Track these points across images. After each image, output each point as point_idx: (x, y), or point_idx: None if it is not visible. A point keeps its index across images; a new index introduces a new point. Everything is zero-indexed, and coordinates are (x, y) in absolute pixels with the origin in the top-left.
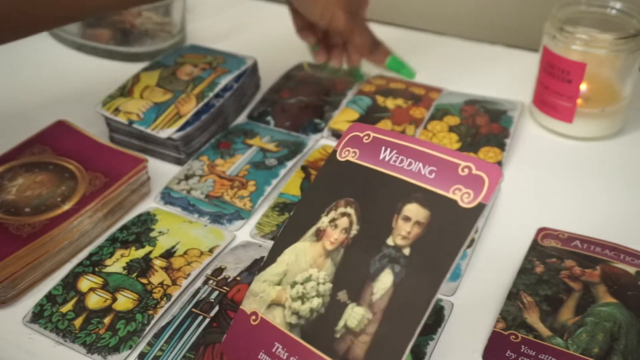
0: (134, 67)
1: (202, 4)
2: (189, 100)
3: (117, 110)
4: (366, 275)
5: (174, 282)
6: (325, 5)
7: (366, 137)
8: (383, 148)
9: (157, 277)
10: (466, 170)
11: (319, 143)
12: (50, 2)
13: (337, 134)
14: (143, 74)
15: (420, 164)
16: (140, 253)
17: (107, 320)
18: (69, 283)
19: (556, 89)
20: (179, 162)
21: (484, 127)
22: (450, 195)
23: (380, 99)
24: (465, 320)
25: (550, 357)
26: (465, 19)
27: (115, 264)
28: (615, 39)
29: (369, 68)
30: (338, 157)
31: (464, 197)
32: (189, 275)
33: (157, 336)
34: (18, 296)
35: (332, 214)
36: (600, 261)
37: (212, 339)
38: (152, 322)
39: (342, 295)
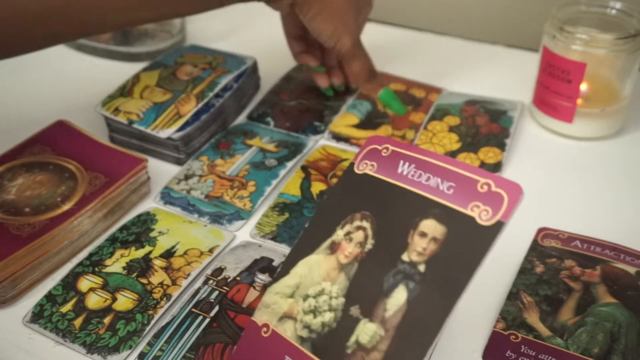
0: (134, 67)
1: None
2: (189, 100)
3: (117, 110)
4: (380, 291)
5: (173, 282)
6: (336, 27)
7: (385, 150)
8: (401, 162)
9: (157, 277)
10: (485, 187)
11: (319, 143)
12: (72, 19)
13: (337, 137)
14: (143, 74)
15: (439, 179)
16: (140, 253)
17: (107, 320)
18: (69, 283)
19: (556, 89)
20: (179, 162)
21: (484, 127)
22: (468, 212)
23: (380, 104)
24: (465, 320)
25: (550, 357)
26: (465, 19)
27: (115, 264)
28: (615, 39)
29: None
30: (355, 170)
31: (482, 215)
32: (188, 275)
33: (157, 336)
34: (18, 296)
35: (348, 227)
36: (600, 261)
37: (212, 339)
38: (152, 322)
39: (355, 311)
